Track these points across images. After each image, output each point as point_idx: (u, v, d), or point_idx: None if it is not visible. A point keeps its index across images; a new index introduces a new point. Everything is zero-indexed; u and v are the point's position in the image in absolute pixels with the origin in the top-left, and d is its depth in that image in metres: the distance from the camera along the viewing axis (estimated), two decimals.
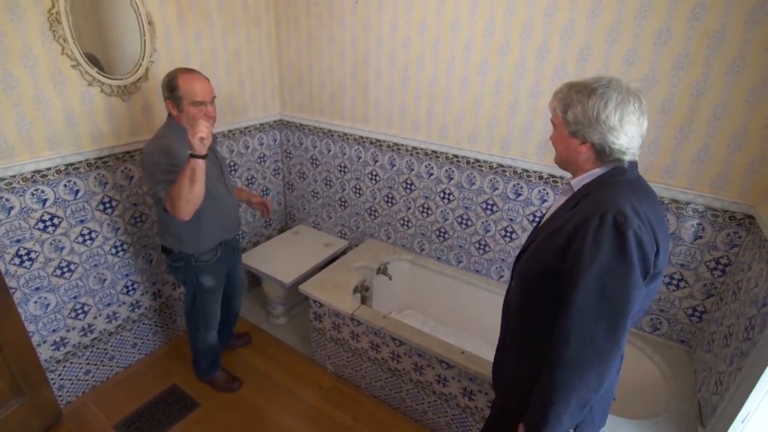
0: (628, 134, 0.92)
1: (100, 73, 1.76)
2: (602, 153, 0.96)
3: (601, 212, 0.88)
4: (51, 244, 1.79)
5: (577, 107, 0.94)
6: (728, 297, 1.59)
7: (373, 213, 2.58)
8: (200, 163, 1.44)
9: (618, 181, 0.96)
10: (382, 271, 2.43)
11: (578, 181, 1.02)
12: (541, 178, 1.93)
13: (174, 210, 1.51)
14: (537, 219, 2.01)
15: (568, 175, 1.08)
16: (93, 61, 1.75)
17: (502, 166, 2.01)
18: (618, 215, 0.86)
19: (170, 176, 1.53)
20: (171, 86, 1.56)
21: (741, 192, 1.56)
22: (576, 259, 0.89)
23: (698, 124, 1.55)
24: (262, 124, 2.65)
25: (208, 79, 1.63)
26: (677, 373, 1.71)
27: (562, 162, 1.07)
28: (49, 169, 1.71)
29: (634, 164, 0.99)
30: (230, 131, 2.44)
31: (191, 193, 1.47)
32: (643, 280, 0.89)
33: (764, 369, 1.12)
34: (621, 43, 1.59)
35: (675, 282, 1.78)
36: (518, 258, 1.13)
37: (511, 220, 2.09)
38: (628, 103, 0.91)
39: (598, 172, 0.99)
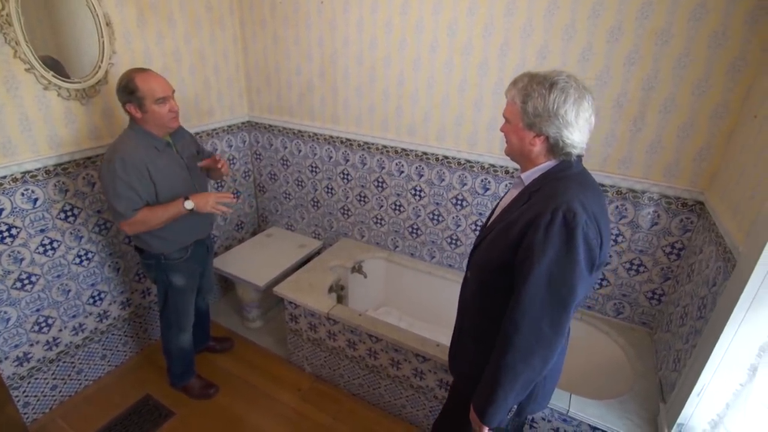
0: (582, 130, 0.96)
1: (56, 77, 1.70)
2: (555, 147, 0.98)
3: (552, 208, 0.92)
4: (9, 255, 1.71)
5: (537, 99, 0.95)
6: (683, 279, 1.69)
7: (346, 212, 2.59)
8: (186, 210, 1.62)
9: (566, 175, 1.00)
10: (357, 269, 2.44)
11: (528, 175, 1.05)
12: (507, 172, 1.99)
13: (127, 229, 1.61)
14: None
15: None
16: (53, 64, 1.70)
17: (470, 162, 2.06)
18: (568, 212, 0.90)
19: (128, 193, 1.56)
20: (129, 89, 1.53)
21: (691, 180, 1.66)
22: (527, 253, 0.94)
23: (650, 116, 1.64)
24: (230, 126, 2.61)
25: (161, 75, 1.62)
26: (640, 353, 1.80)
27: (514, 154, 1.08)
28: (4, 177, 1.64)
29: (580, 158, 1.03)
30: (197, 134, 2.39)
31: (157, 226, 1.62)
32: (589, 272, 0.95)
33: (715, 344, 1.20)
34: (576, 41, 1.66)
35: (635, 267, 1.87)
36: (473, 250, 1.16)
37: (480, 214, 2.15)
38: (584, 99, 0.94)
39: (547, 165, 1.02)
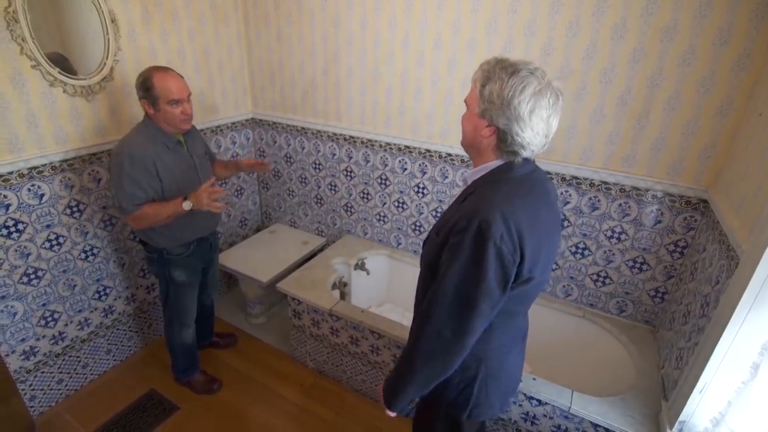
0: (534, 129, 0.89)
1: (62, 73, 1.71)
2: (503, 141, 0.92)
3: (471, 216, 0.88)
4: (16, 250, 1.73)
5: (495, 84, 0.88)
6: (686, 277, 1.69)
7: (349, 209, 2.59)
8: (185, 210, 1.60)
9: (504, 178, 0.95)
10: (360, 266, 2.45)
11: (471, 175, 1.01)
12: None
13: (132, 223, 1.64)
14: None
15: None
16: (61, 60, 1.71)
17: None
18: (483, 222, 0.86)
19: (133, 189, 1.57)
20: (146, 86, 1.56)
21: (695, 178, 1.65)
22: (444, 257, 0.92)
23: (655, 114, 1.63)
24: (234, 123, 2.62)
25: (182, 76, 1.63)
26: (642, 351, 1.80)
27: (467, 144, 1.02)
28: (11, 173, 1.65)
29: (528, 160, 0.97)
30: (201, 131, 2.40)
31: (160, 223, 1.63)
32: (502, 289, 0.90)
33: (717, 342, 1.20)
34: (581, 38, 1.65)
35: (638, 265, 1.87)
36: (424, 244, 1.13)
37: None
38: (543, 96, 0.87)
39: (492, 165, 0.97)
